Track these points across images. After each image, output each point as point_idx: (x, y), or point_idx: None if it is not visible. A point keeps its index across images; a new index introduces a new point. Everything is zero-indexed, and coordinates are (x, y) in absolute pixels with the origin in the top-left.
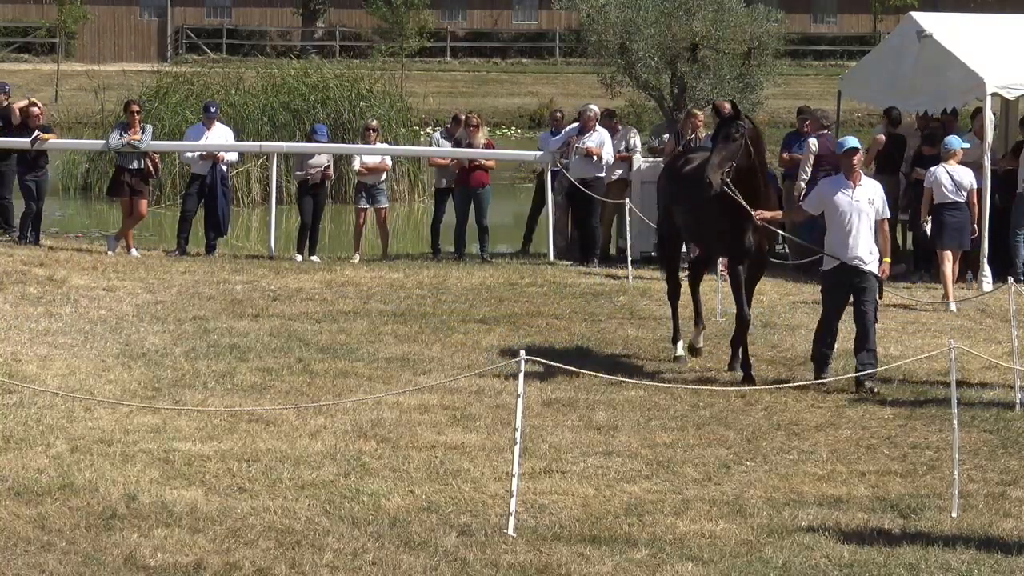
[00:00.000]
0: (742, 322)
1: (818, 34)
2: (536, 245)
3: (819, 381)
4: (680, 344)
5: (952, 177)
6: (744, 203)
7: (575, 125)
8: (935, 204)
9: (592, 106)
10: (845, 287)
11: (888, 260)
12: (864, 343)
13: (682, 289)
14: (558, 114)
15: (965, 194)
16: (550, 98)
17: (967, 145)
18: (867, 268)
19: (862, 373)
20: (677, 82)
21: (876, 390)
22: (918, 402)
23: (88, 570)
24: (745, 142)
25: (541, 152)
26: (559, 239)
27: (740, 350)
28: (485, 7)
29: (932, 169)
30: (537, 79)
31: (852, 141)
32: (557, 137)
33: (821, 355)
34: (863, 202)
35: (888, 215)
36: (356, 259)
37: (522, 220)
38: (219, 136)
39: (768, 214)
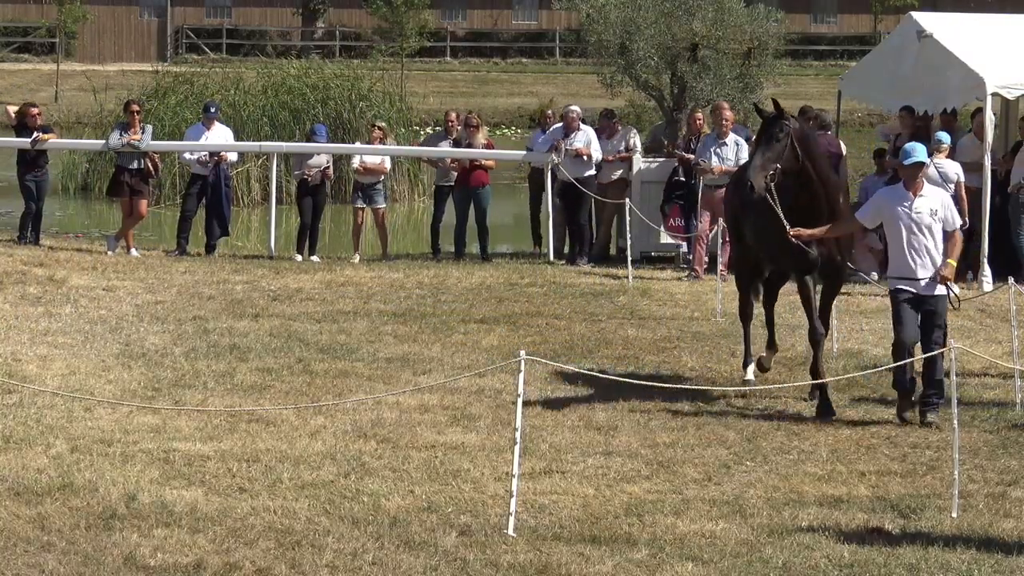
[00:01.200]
0: (813, 337)
1: (818, 34)
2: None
3: (902, 417)
4: (750, 368)
5: (938, 170)
6: (781, 213)
7: (558, 126)
8: None
9: (574, 107)
10: (915, 306)
11: (952, 262)
12: (931, 372)
13: (754, 310)
14: (550, 112)
15: (951, 187)
16: (550, 98)
17: (949, 141)
18: (935, 292)
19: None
20: (677, 82)
21: (939, 426)
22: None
23: (88, 570)
24: (790, 142)
25: (538, 152)
26: (555, 237)
27: (817, 372)
28: (485, 7)
29: None
30: (537, 79)
31: (920, 154)
32: (541, 139)
33: (903, 385)
34: (925, 214)
35: (958, 224)
36: (356, 259)
37: (522, 220)
38: (219, 136)
39: (806, 233)
